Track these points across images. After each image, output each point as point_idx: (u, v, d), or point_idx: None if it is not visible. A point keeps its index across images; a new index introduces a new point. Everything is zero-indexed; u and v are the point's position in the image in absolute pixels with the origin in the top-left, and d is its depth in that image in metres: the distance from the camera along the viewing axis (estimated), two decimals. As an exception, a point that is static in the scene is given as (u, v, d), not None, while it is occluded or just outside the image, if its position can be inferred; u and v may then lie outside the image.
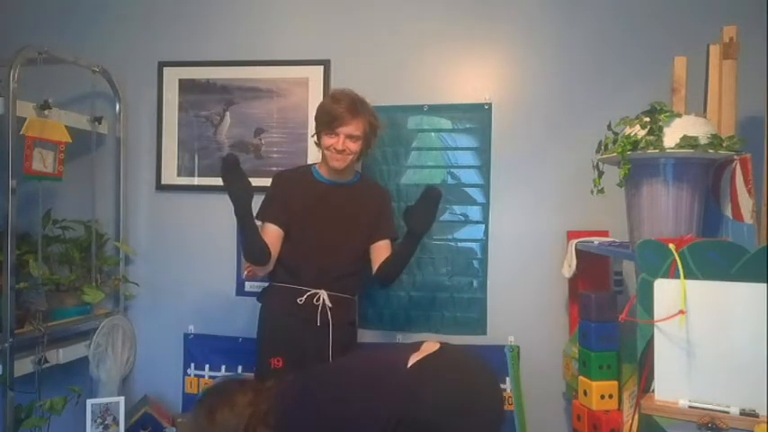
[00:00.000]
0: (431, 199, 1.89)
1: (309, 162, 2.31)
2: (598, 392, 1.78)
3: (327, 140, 1.97)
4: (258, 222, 1.97)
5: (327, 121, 1.96)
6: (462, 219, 2.36)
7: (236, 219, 1.85)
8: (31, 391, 2.09)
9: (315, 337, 1.97)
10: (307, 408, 1.50)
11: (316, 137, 2.06)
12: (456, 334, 2.32)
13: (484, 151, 2.34)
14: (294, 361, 1.93)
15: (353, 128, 1.95)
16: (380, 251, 2.04)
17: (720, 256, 1.35)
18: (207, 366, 2.50)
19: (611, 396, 1.78)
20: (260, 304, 2.10)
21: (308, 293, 1.98)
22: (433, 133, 2.37)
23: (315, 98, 2.38)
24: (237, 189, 1.80)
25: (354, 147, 1.97)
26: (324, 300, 1.98)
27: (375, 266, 2.05)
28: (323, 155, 2.02)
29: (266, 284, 2.13)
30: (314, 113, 2.06)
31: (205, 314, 2.52)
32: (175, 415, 2.40)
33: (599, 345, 1.79)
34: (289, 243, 2.02)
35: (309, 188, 2.06)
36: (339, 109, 1.94)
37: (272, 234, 2.01)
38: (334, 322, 1.98)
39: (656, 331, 1.37)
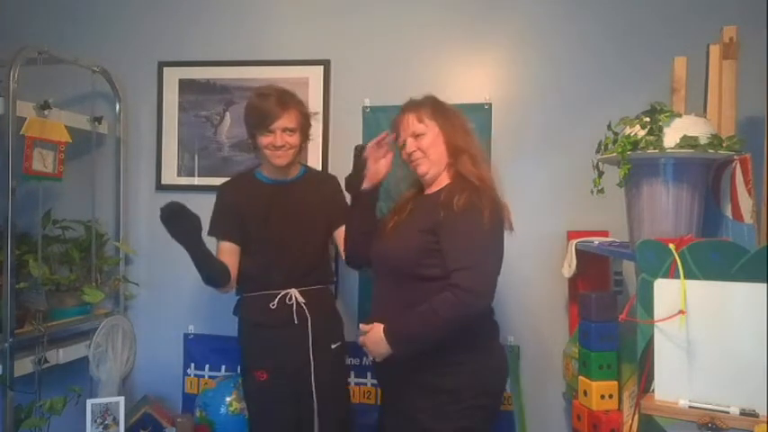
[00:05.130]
0: (361, 156, 1.90)
1: (308, 162, 2.31)
2: (598, 392, 1.78)
3: (264, 140, 1.91)
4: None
5: (260, 120, 1.91)
6: (462, 219, 2.35)
7: (189, 254, 1.82)
8: (31, 391, 2.09)
9: (293, 336, 1.95)
10: None
11: (250, 140, 1.99)
12: (456, 334, 2.31)
13: (484, 151, 2.34)
14: (277, 369, 1.94)
15: (287, 120, 1.90)
16: (343, 236, 2.00)
17: (720, 256, 1.35)
18: (207, 366, 2.50)
19: (611, 396, 1.79)
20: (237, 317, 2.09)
21: (279, 296, 1.96)
22: (433, 133, 2.37)
23: (315, 98, 2.38)
24: (180, 234, 1.77)
25: (293, 140, 1.93)
26: (296, 297, 1.96)
27: (343, 253, 2.00)
28: (263, 156, 1.97)
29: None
30: (313, 113, 2.04)
31: (205, 314, 2.52)
32: (175, 415, 2.40)
33: (599, 345, 1.79)
34: (250, 254, 1.99)
35: (257, 194, 2.00)
36: (268, 104, 1.89)
37: (227, 252, 1.97)
38: (312, 314, 1.96)
39: (656, 331, 1.37)
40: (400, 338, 1.61)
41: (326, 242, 2.07)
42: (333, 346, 2.02)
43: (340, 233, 2.02)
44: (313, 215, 2.01)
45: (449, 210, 1.60)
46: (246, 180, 2.06)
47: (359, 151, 1.94)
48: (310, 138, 2.07)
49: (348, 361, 2.29)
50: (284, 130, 1.91)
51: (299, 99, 1.98)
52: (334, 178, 2.13)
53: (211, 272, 1.91)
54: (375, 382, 2.34)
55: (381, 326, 1.63)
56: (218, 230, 2.00)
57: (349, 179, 1.95)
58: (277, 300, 1.96)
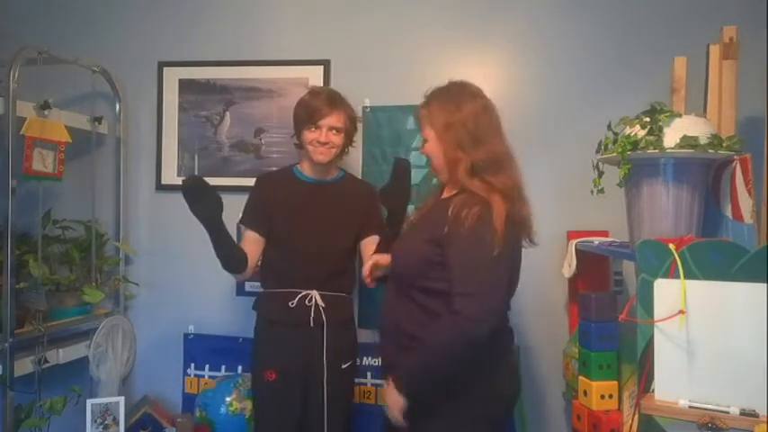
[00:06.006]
0: (402, 171, 1.81)
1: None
2: (598, 392, 1.78)
3: (309, 135, 1.95)
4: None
5: (308, 115, 1.94)
6: (462, 219, 2.35)
7: (208, 233, 1.79)
8: (31, 391, 2.09)
9: (307, 339, 1.96)
10: None
11: (295, 137, 2.03)
12: (456, 334, 2.31)
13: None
14: (287, 371, 1.94)
15: (335, 119, 1.94)
16: (369, 247, 1.98)
17: (720, 256, 1.35)
18: (207, 366, 2.50)
19: (611, 396, 1.78)
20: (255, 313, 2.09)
21: (300, 295, 1.96)
22: (433, 133, 2.37)
23: (315, 98, 2.38)
24: (202, 210, 1.72)
25: (337, 140, 1.96)
26: (316, 299, 1.96)
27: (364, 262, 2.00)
28: (305, 152, 1.99)
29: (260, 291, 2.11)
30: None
31: (205, 314, 2.52)
32: (175, 415, 2.40)
33: (599, 345, 1.79)
34: (277, 247, 2.01)
35: (293, 190, 2.03)
36: (319, 102, 1.93)
37: (251, 241, 1.99)
38: (328, 321, 1.96)
39: (656, 331, 1.36)
40: (408, 381, 1.53)
41: (353, 249, 2.07)
42: (343, 366, 2.01)
43: (366, 243, 2.02)
44: (342, 220, 2.02)
45: (456, 224, 1.47)
46: (284, 175, 2.09)
47: (400, 165, 1.83)
48: (353, 143, 2.09)
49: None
50: (330, 128, 1.94)
51: (348, 103, 2.01)
52: (372, 188, 2.12)
53: (229, 254, 1.89)
54: (375, 382, 2.34)
55: (392, 383, 1.55)
56: (247, 219, 2.03)
57: (384, 191, 1.85)
58: (297, 299, 1.96)
